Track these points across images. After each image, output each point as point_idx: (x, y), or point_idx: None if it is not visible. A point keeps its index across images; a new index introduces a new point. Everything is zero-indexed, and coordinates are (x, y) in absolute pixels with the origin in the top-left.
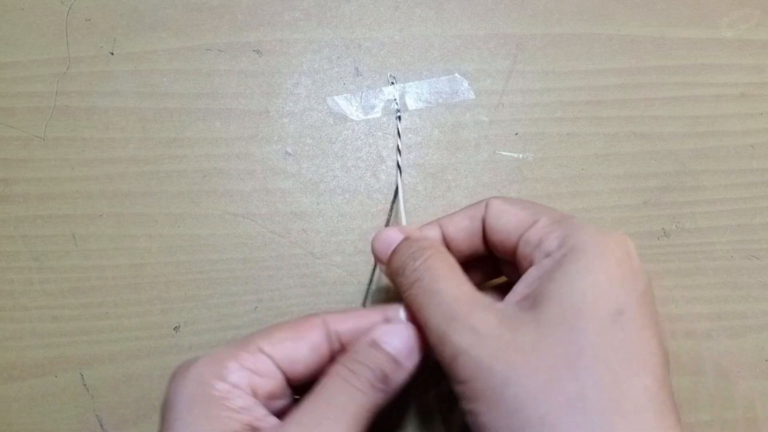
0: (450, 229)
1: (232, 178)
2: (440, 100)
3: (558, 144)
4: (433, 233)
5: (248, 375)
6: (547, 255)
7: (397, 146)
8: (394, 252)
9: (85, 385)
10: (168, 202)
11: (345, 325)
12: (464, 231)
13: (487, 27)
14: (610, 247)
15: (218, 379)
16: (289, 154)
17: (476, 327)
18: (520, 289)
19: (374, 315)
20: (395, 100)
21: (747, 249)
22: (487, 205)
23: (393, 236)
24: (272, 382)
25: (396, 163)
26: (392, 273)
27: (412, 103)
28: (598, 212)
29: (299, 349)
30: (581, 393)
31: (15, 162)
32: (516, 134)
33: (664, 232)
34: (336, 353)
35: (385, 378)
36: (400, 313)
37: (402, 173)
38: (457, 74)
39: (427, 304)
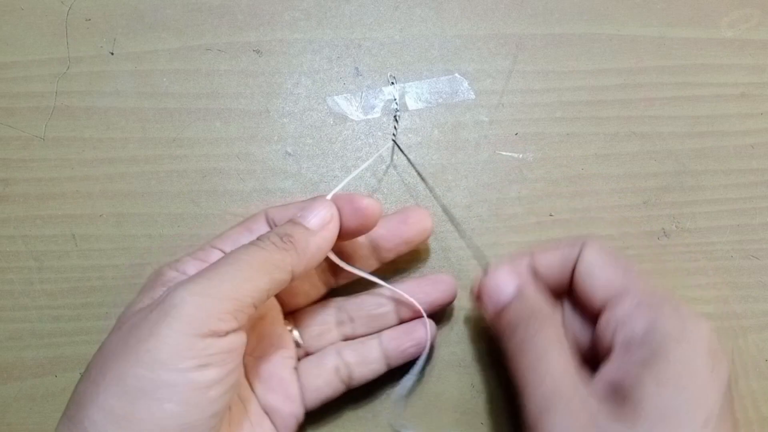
0: (542, 264)
1: (232, 178)
2: (440, 100)
3: (558, 144)
4: (525, 266)
5: (199, 264)
6: (630, 341)
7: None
8: (505, 309)
9: None
10: (168, 202)
11: (282, 213)
12: (554, 271)
13: (487, 27)
14: (697, 345)
15: (172, 269)
16: (289, 154)
17: (572, 419)
18: (608, 376)
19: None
20: (395, 100)
21: (747, 249)
22: (581, 251)
23: (505, 286)
24: None
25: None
26: (499, 327)
27: (412, 103)
28: (598, 212)
29: (245, 238)
30: None
31: (15, 162)
32: (516, 134)
33: (664, 232)
34: None
35: (288, 237)
36: (328, 196)
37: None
38: (457, 74)
39: (528, 380)
